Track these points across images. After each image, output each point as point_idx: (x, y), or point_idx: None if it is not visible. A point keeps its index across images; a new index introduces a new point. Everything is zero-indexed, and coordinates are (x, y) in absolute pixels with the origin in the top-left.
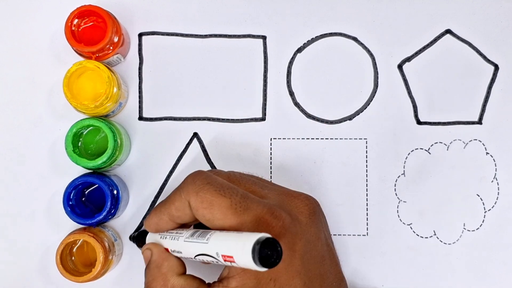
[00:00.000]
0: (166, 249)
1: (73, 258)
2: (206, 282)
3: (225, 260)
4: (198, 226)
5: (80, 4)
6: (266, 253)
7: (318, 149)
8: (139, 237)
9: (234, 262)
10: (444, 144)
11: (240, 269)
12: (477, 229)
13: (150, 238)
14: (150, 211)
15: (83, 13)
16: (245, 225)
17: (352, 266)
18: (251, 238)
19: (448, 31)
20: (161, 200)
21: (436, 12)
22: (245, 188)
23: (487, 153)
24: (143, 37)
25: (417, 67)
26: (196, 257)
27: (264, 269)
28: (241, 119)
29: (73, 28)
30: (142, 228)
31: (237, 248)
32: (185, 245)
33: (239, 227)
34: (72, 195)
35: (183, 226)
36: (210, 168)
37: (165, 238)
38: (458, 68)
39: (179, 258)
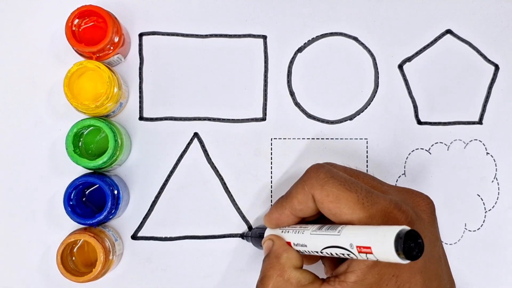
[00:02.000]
0: (288, 243)
1: (73, 258)
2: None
3: (359, 252)
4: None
5: (81, 4)
6: (409, 245)
7: (319, 149)
8: (253, 235)
9: (371, 253)
10: (445, 144)
11: (362, 264)
12: (478, 229)
13: (268, 232)
14: (151, 211)
15: (83, 13)
16: (374, 219)
17: None
18: (392, 230)
19: (448, 31)
20: (279, 198)
21: (436, 12)
22: (365, 183)
23: (487, 153)
24: (144, 37)
25: (418, 67)
26: (323, 250)
27: (406, 261)
28: (242, 119)
29: (73, 28)
30: (259, 225)
31: (377, 240)
32: (312, 238)
33: (368, 221)
34: (72, 195)
35: (301, 223)
36: (211, 168)
37: (287, 232)
38: (458, 68)
39: (298, 253)
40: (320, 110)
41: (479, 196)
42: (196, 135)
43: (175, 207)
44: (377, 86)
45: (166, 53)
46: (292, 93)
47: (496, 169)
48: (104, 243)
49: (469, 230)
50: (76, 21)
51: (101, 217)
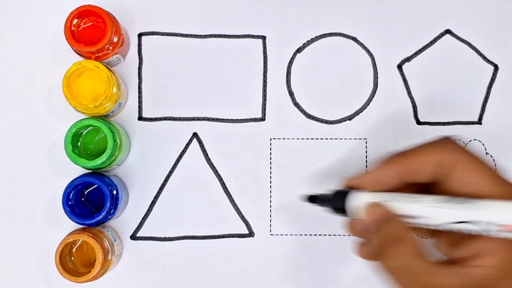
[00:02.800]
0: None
1: (72, 258)
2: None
3: (500, 230)
4: None
5: (80, 4)
6: None
7: (318, 149)
8: (339, 197)
9: None
10: None
11: (502, 243)
12: None
13: (360, 198)
14: (150, 211)
15: (82, 13)
16: (510, 198)
17: (352, 266)
18: None
19: (447, 31)
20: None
21: (436, 12)
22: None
23: (487, 153)
24: (143, 37)
25: (417, 67)
26: (447, 225)
27: None
28: (241, 119)
29: (72, 28)
30: (332, 190)
31: None
32: (434, 210)
33: (506, 197)
34: (71, 195)
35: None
36: (210, 168)
37: (396, 201)
38: (458, 68)
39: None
40: (319, 110)
41: None
42: (195, 135)
43: (174, 207)
44: (376, 86)
45: (165, 53)
46: (291, 93)
47: (495, 169)
48: (103, 243)
49: None
50: (75, 21)
51: (100, 217)
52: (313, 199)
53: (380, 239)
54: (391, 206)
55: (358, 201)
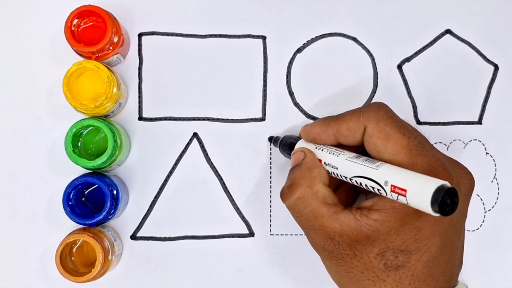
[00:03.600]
0: (319, 160)
1: (72, 258)
2: None
3: (392, 191)
4: None
5: (80, 4)
6: (445, 200)
7: None
8: (283, 144)
9: (404, 196)
10: (444, 144)
11: (389, 205)
12: (477, 229)
13: (301, 145)
14: (150, 211)
15: (82, 13)
16: (416, 168)
17: None
18: (434, 182)
19: (448, 31)
20: (328, 116)
21: (436, 12)
22: (419, 138)
23: (487, 153)
24: (143, 37)
25: (417, 67)
26: (353, 178)
27: (436, 214)
28: (241, 119)
29: (73, 28)
30: (290, 135)
31: (415, 186)
32: (346, 163)
33: (408, 167)
34: (71, 195)
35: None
36: (210, 168)
37: (322, 150)
38: (458, 68)
39: (327, 172)
40: (319, 110)
41: (478, 196)
42: (195, 135)
43: (174, 207)
44: (376, 86)
45: (165, 53)
46: (291, 93)
47: (495, 169)
48: (103, 243)
49: (469, 230)
50: (76, 21)
51: (100, 217)
52: (271, 139)
53: (288, 179)
54: (314, 154)
55: (297, 147)
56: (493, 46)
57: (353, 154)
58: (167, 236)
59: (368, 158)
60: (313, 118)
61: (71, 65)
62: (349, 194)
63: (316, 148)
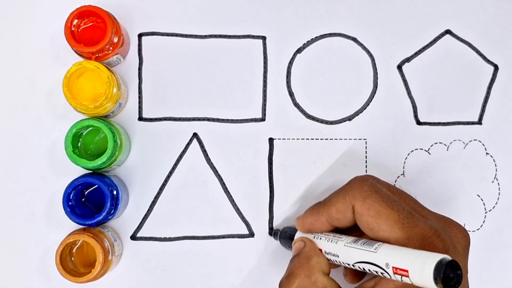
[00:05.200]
0: (319, 250)
1: (72, 258)
2: None
3: (395, 273)
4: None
5: (80, 4)
6: (448, 275)
7: (318, 149)
8: (283, 235)
9: (407, 277)
10: (444, 144)
11: (392, 284)
12: (477, 229)
13: (300, 235)
14: (150, 211)
15: (83, 13)
16: (412, 242)
17: None
18: (433, 257)
19: (448, 32)
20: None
21: (436, 13)
22: (406, 204)
23: (487, 153)
24: (143, 38)
25: (417, 67)
26: (355, 264)
27: None
28: (241, 120)
29: (72, 29)
30: (289, 226)
31: (416, 265)
32: (345, 249)
33: (405, 242)
34: (71, 195)
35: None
36: (210, 169)
37: (320, 239)
38: (458, 68)
39: (327, 260)
40: (319, 110)
41: (479, 196)
42: (195, 135)
43: (174, 207)
44: (376, 87)
45: (165, 53)
46: (291, 94)
47: (496, 169)
48: (103, 244)
49: (469, 231)
50: (76, 21)
51: (100, 217)
52: (271, 232)
53: (287, 269)
54: (314, 243)
55: (296, 237)
56: (493, 46)
57: (351, 239)
58: (167, 236)
59: (366, 240)
60: (313, 118)
61: (71, 65)
62: (357, 272)
63: (314, 237)
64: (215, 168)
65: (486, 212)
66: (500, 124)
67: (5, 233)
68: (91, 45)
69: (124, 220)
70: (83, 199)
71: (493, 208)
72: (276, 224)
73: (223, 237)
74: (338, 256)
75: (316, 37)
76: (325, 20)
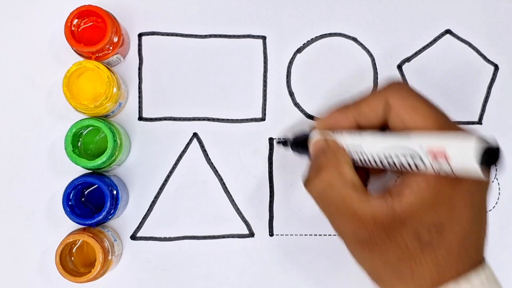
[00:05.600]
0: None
1: (72, 258)
2: None
3: (429, 154)
4: None
5: (80, 4)
6: (490, 150)
7: None
8: (296, 142)
9: (444, 157)
10: None
11: (420, 178)
12: None
13: (316, 135)
14: (150, 211)
15: (82, 13)
16: None
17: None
18: (471, 137)
19: (448, 31)
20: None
21: (436, 12)
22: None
23: None
24: (143, 37)
25: (417, 67)
26: (381, 156)
27: (481, 170)
28: (241, 119)
29: (72, 28)
30: (297, 133)
31: (454, 143)
32: (371, 138)
33: (436, 129)
34: (71, 195)
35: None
36: (210, 168)
37: (342, 134)
38: (458, 68)
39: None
40: (320, 110)
41: None
42: (195, 135)
43: (174, 207)
44: (376, 87)
45: (165, 53)
46: (291, 94)
47: (496, 169)
48: (103, 244)
49: None
50: (75, 21)
51: (100, 217)
52: (284, 143)
53: (313, 165)
54: (334, 139)
55: (314, 138)
56: (493, 46)
57: (376, 131)
58: (167, 236)
59: (394, 132)
60: (313, 118)
61: (71, 65)
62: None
63: (334, 133)
64: (215, 168)
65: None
66: (500, 124)
67: (5, 233)
68: (91, 45)
69: (124, 220)
70: (83, 199)
71: (493, 208)
72: (276, 226)
73: (223, 237)
74: (361, 146)
75: (316, 37)
76: (325, 20)
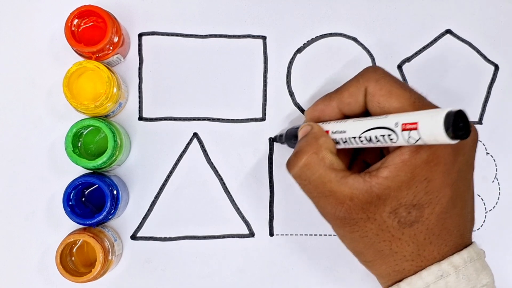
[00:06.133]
0: (326, 131)
1: (73, 258)
2: None
3: (404, 129)
4: None
5: (80, 4)
6: (458, 124)
7: None
8: (288, 135)
9: (415, 129)
10: None
11: (398, 159)
12: (478, 229)
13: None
14: (150, 211)
15: (83, 13)
16: None
17: (352, 266)
18: (442, 110)
19: (448, 31)
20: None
21: (436, 12)
22: (417, 92)
23: (487, 153)
24: (143, 37)
25: (417, 67)
26: (363, 134)
27: (453, 141)
28: (241, 119)
29: (73, 28)
30: (292, 127)
31: (425, 117)
32: (353, 124)
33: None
34: (72, 195)
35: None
36: (210, 168)
37: (328, 123)
38: (458, 68)
39: (334, 142)
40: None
41: (479, 196)
42: (195, 135)
43: (174, 207)
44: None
45: (165, 53)
46: (291, 93)
47: (496, 169)
48: (103, 243)
49: None
50: (76, 21)
51: (101, 217)
52: (275, 139)
53: (294, 150)
54: (320, 126)
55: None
56: (493, 46)
57: (359, 117)
58: (167, 236)
59: (374, 117)
60: None
61: (71, 65)
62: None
63: (322, 124)
64: (215, 167)
65: (486, 212)
66: (500, 124)
67: (5, 233)
68: (91, 45)
69: (124, 220)
70: (83, 199)
71: (493, 208)
72: (276, 226)
73: (223, 237)
74: (345, 132)
75: (316, 37)
76: (325, 20)
